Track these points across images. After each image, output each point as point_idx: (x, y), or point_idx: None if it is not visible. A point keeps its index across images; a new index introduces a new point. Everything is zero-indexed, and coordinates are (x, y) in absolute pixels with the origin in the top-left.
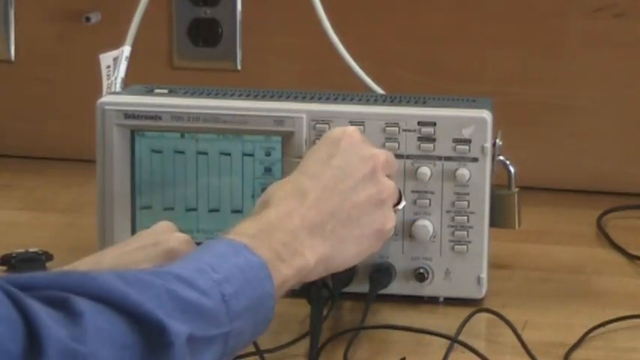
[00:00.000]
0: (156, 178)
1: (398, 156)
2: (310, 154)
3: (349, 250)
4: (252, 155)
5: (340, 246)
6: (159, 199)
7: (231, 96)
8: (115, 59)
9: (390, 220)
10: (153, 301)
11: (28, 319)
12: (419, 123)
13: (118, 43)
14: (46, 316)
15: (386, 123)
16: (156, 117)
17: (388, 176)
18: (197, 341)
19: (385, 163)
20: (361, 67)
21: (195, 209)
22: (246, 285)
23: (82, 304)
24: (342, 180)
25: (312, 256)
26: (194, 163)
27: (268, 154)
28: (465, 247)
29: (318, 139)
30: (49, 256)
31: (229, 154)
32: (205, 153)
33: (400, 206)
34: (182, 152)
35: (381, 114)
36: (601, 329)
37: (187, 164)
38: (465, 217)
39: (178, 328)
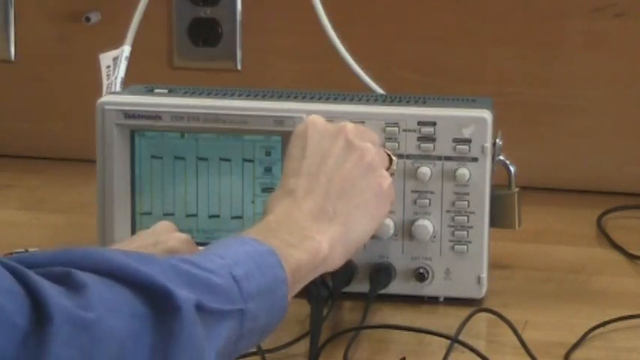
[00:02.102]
0: (156, 184)
1: (398, 156)
2: (287, 157)
3: (360, 222)
4: (252, 161)
5: (350, 221)
6: (159, 204)
7: (231, 96)
8: (115, 59)
9: (384, 179)
10: (157, 273)
11: (33, 292)
12: (419, 123)
13: (118, 43)
14: (50, 288)
15: (386, 123)
16: (156, 117)
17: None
18: (208, 312)
19: (355, 130)
20: (361, 67)
21: (195, 215)
22: (256, 270)
23: (85, 276)
24: (322, 162)
25: (323, 238)
26: (194, 168)
27: (268, 154)
28: (465, 247)
29: None
30: None
31: (229, 160)
32: (205, 159)
33: (394, 165)
34: (182, 158)
35: (381, 114)
36: (601, 329)
37: (187, 170)
38: (465, 217)
39: (185, 294)
